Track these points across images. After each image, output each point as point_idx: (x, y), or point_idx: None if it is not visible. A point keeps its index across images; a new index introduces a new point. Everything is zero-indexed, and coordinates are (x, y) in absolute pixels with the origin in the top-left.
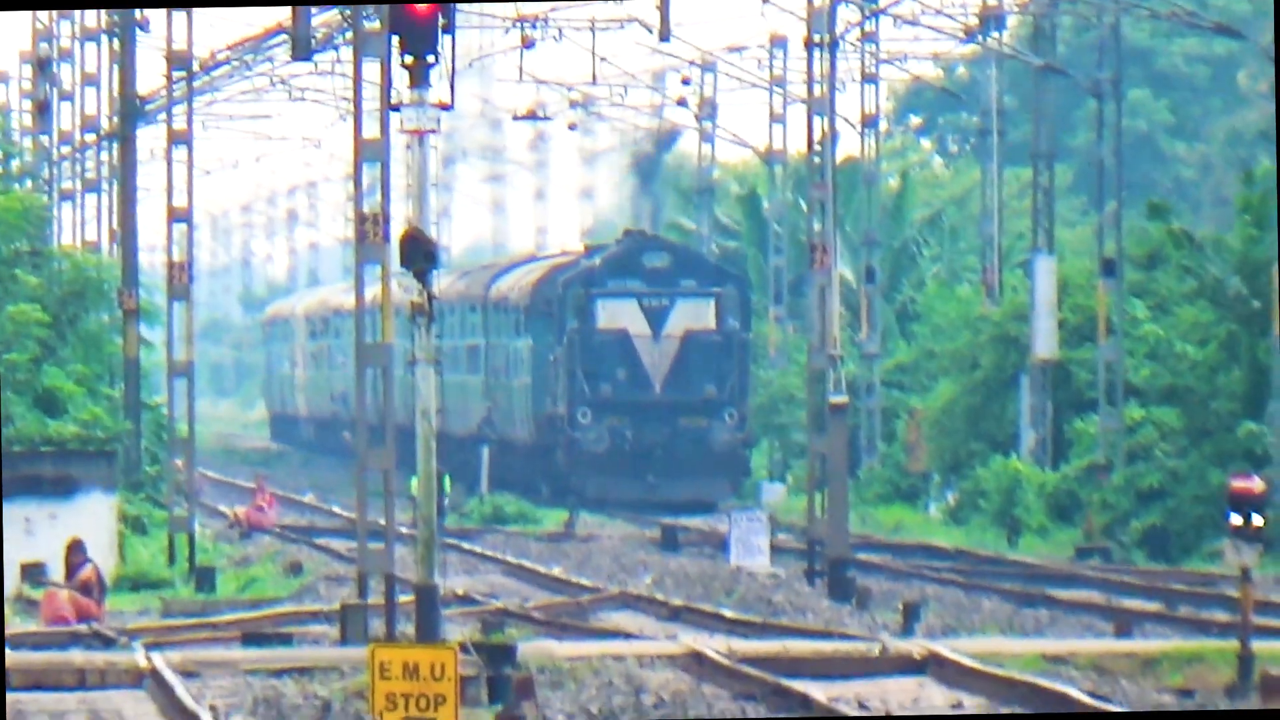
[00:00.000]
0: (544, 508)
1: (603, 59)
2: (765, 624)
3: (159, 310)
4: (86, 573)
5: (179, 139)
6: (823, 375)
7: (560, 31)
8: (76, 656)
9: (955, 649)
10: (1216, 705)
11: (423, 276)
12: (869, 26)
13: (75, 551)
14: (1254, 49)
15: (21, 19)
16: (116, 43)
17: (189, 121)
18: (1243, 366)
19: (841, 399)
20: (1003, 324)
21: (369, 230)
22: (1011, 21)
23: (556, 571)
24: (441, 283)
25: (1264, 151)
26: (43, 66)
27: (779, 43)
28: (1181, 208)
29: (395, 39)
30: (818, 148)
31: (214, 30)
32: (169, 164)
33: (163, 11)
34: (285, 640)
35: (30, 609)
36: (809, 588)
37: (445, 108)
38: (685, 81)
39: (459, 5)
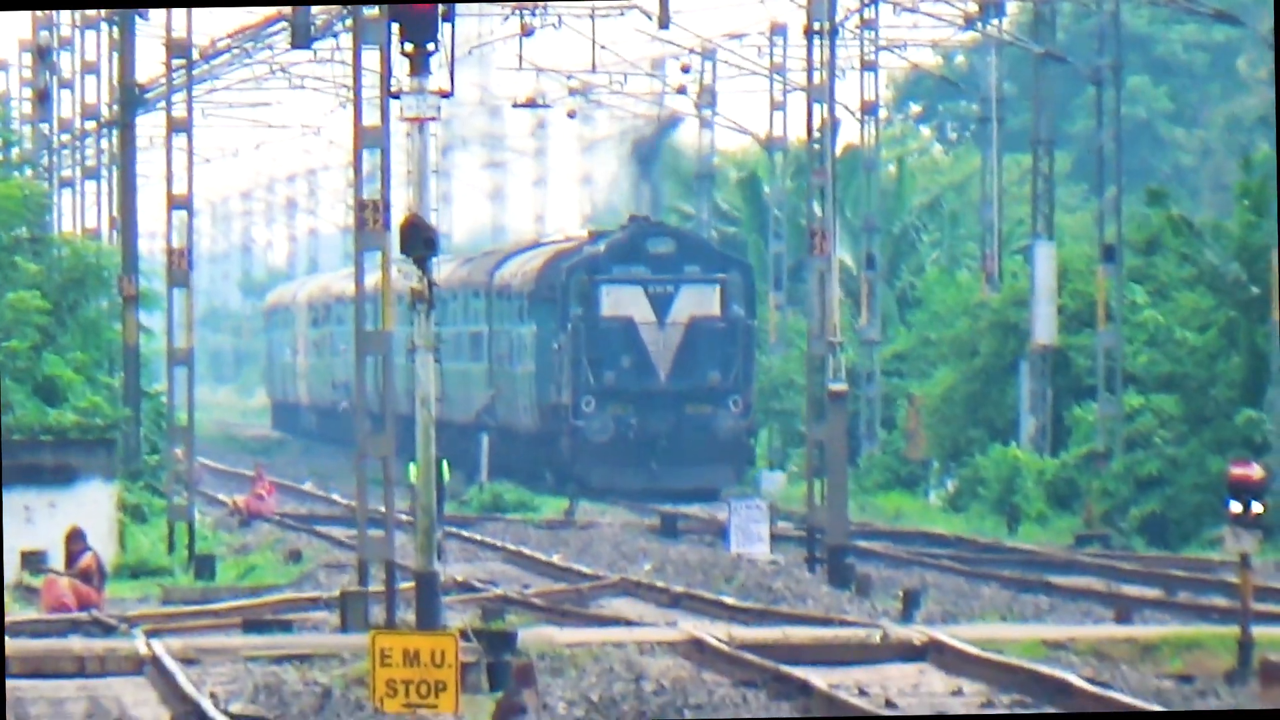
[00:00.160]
0: (544, 495)
1: (602, 46)
2: (765, 611)
3: (159, 297)
4: (86, 561)
5: (179, 127)
6: (822, 362)
7: (560, 19)
8: (76, 644)
9: (955, 635)
10: (1216, 691)
11: (423, 263)
12: (869, 14)
13: (75, 540)
14: (1253, 35)
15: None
16: (116, 31)
17: (189, 109)
18: (1242, 353)
19: (841, 386)
20: (1002, 310)
21: (369, 217)
22: (1011, 8)
23: (556, 559)
24: (445, 269)
25: (1263, 137)
26: (43, 54)
27: (779, 30)
28: (1180, 194)
29: (395, 27)
30: (818, 135)
31: (214, 18)
32: (169, 151)
33: None
34: (285, 627)
35: (30, 596)
36: (809, 575)
37: (445, 95)
38: (685, 69)
39: None
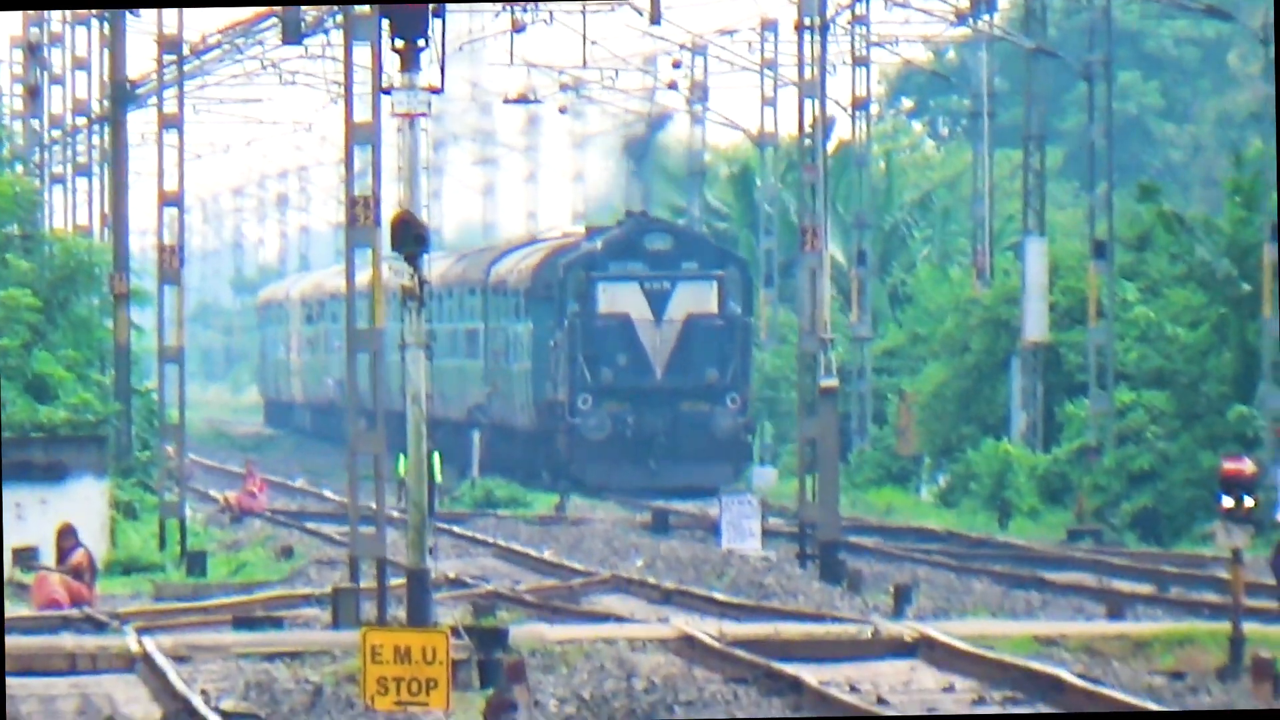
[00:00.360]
0: (535, 491)
1: (593, 42)
2: (756, 607)
3: (150, 295)
4: (77, 557)
5: (170, 123)
6: (814, 358)
7: (551, 15)
8: (68, 640)
9: (946, 631)
10: (1208, 687)
11: (414, 260)
12: (860, 9)
13: (66, 536)
14: (1244, 30)
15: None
16: (107, 27)
17: (180, 105)
18: (1233, 349)
19: (832, 382)
20: (994, 307)
21: (360, 214)
22: (1002, 4)
23: (548, 555)
24: (440, 265)
25: (1254, 133)
26: (33, 50)
27: (770, 26)
28: (1171, 190)
29: (386, 23)
30: (809, 131)
31: (204, 14)
32: (160, 148)
33: None
34: (276, 624)
35: (22, 593)
36: (800, 571)
37: (436, 91)
38: (676, 65)
39: None
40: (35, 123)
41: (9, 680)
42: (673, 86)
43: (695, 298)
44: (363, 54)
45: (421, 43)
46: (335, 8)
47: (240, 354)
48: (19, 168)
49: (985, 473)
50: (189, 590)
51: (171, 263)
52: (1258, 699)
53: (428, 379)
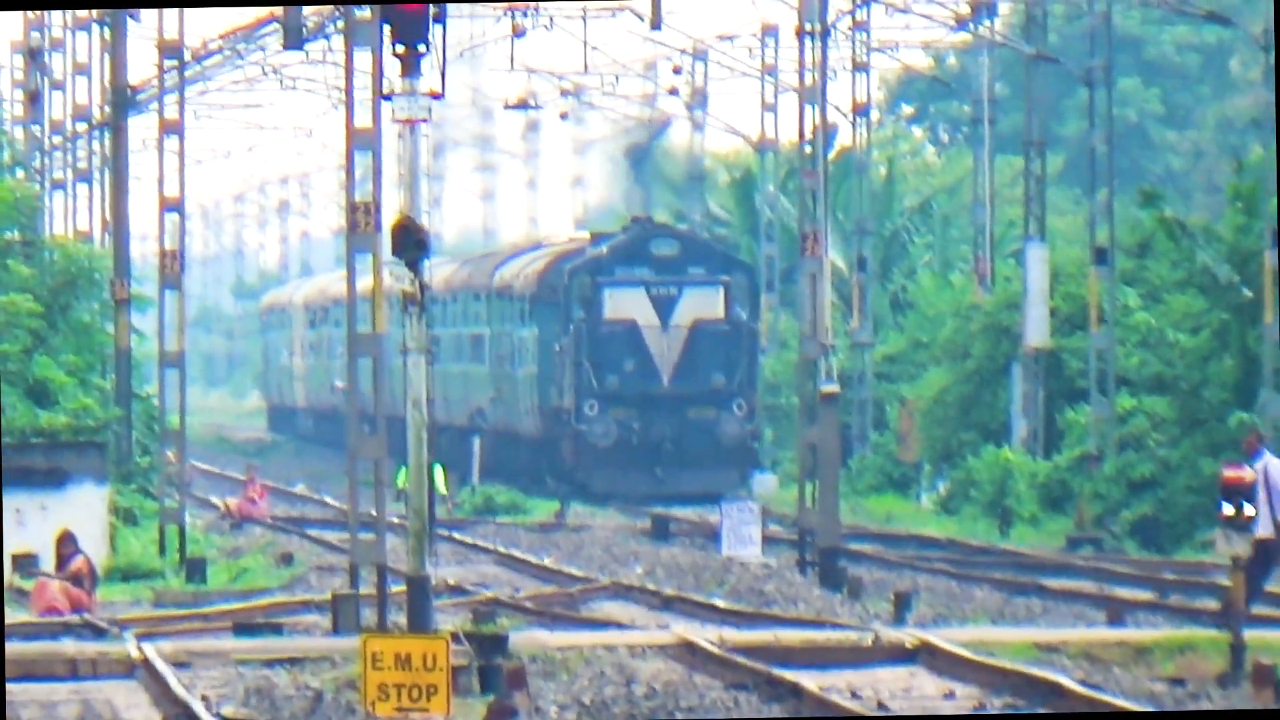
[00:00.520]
0: (535, 498)
1: (594, 48)
2: (757, 614)
3: (150, 300)
4: (77, 564)
5: (170, 128)
6: (814, 364)
7: (551, 20)
8: (68, 646)
9: (947, 638)
10: (1208, 694)
11: (414, 265)
12: (860, 15)
13: (66, 543)
14: (1245, 36)
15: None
16: (108, 32)
17: (180, 111)
18: (1234, 355)
19: (833, 388)
20: (994, 313)
21: (361, 219)
22: (1003, 10)
23: (548, 562)
24: (444, 270)
25: (1255, 139)
26: (34, 56)
27: (770, 31)
28: (1172, 196)
29: (386, 28)
30: (809, 137)
31: (205, 20)
32: (160, 153)
33: None
34: (277, 630)
35: (22, 599)
36: (800, 578)
37: (436, 97)
38: (677, 70)
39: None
40: (36, 128)
41: (11, 686)
42: (673, 92)
43: (702, 303)
44: (364, 59)
45: (422, 48)
46: (336, 12)
47: (241, 359)
48: (19, 173)
49: (986, 480)
50: (189, 596)
51: (172, 268)
52: (1259, 705)
53: (429, 384)
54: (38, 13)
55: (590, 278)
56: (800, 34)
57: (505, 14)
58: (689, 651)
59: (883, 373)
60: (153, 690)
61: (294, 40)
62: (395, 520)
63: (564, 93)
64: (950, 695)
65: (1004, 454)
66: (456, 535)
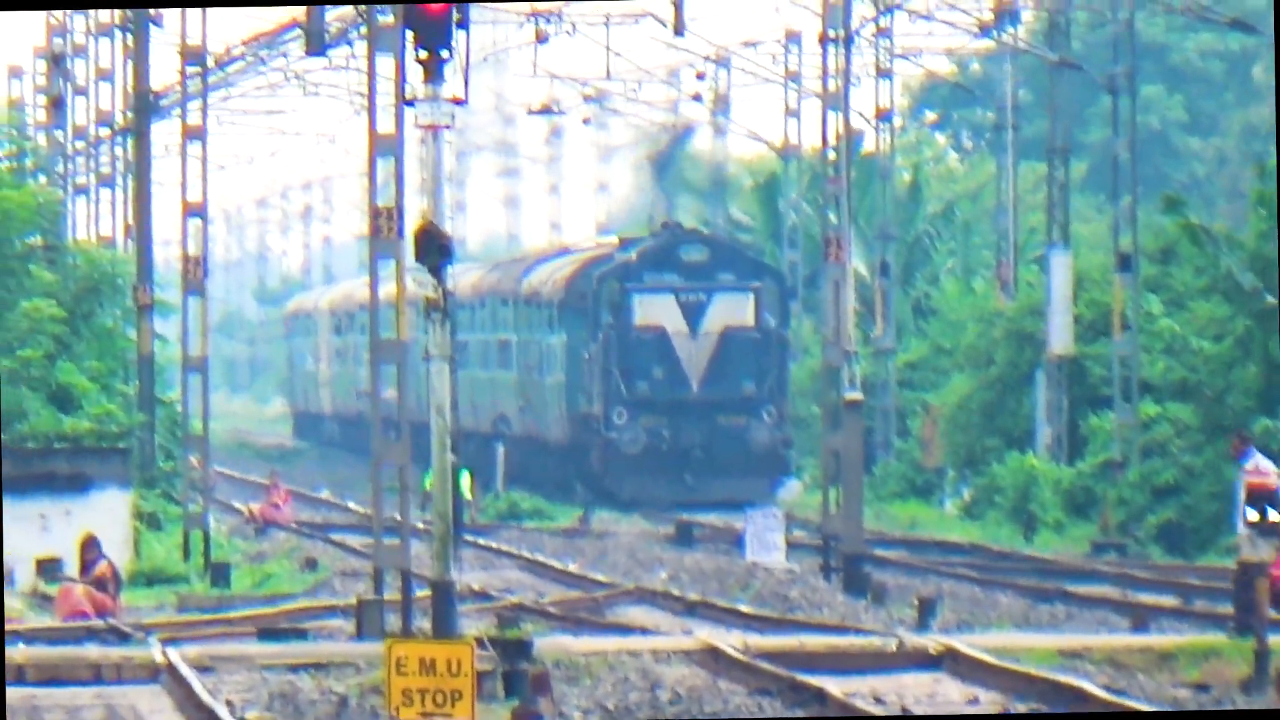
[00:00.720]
0: (558, 504)
1: (617, 54)
2: (781, 619)
3: (173, 305)
4: (101, 568)
5: (193, 134)
6: (837, 371)
7: (574, 26)
8: (92, 651)
9: (971, 644)
10: (1233, 700)
11: (437, 271)
12: (884, 22)
13: (90, 548)
14: (1269, 43)
15: (36, 14)
16: (130, 38)
17: (203, 116)
18: (1258, 362)
19: (856, 395)
20: (1018, 319)
21: (383, 225)
22: (1026, 16)
23: (572, 567)
24: (471, 276)
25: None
26: (57, 61)
27: (794, 38)
28: (1196, 203)
29: (409, 34)
30: (833, 143)
31: (228, 25)
32: (183, 159)
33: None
34: (301, 635)
35: (46, 604)
36: (824, 583)
37: (459, 102)
38: (700, 76)
39: (473, 2)
40: (59, 133)
41: (35, 690)
42: (696, 98)
43: (732, 310)
44: (386, 65)
45: (445, 54)
46: (359, 18)
47: (264, 365)
48: (42, 178)
49: (1010, 486)
50: (213, 601)
51: (195, 273)
52: None
53: (452, 390)
54: (60, 18)
55: (619, 284)
56: (823, 40)
57: (528, 20)
58: (713, 657)
59: (905, 379)
60: (176, 695)
61: (316, 46)
62: (420, 525)
63: (587, 98)
64: (974, 701)
65: (1028, 460)
66: (481, 540)
